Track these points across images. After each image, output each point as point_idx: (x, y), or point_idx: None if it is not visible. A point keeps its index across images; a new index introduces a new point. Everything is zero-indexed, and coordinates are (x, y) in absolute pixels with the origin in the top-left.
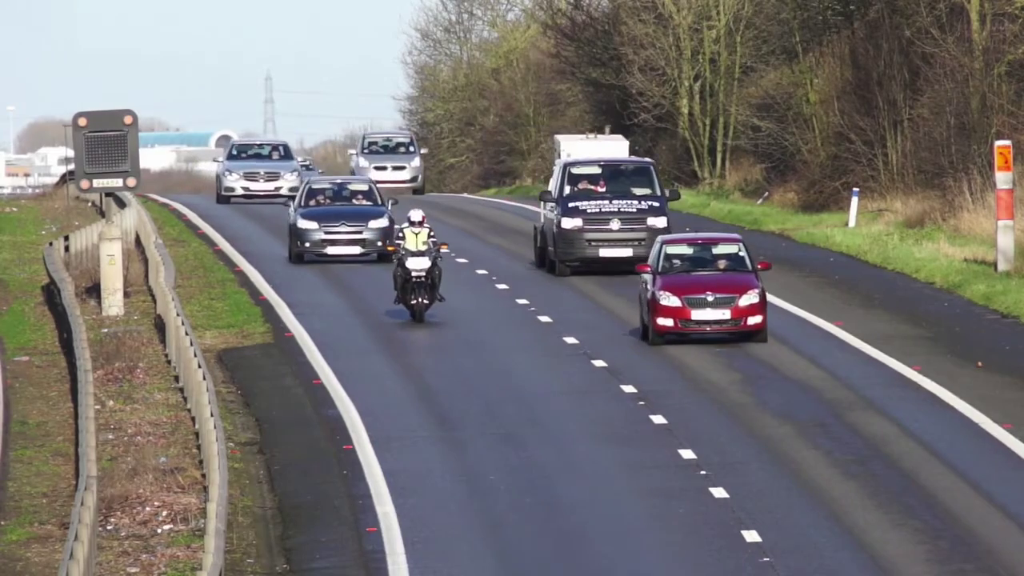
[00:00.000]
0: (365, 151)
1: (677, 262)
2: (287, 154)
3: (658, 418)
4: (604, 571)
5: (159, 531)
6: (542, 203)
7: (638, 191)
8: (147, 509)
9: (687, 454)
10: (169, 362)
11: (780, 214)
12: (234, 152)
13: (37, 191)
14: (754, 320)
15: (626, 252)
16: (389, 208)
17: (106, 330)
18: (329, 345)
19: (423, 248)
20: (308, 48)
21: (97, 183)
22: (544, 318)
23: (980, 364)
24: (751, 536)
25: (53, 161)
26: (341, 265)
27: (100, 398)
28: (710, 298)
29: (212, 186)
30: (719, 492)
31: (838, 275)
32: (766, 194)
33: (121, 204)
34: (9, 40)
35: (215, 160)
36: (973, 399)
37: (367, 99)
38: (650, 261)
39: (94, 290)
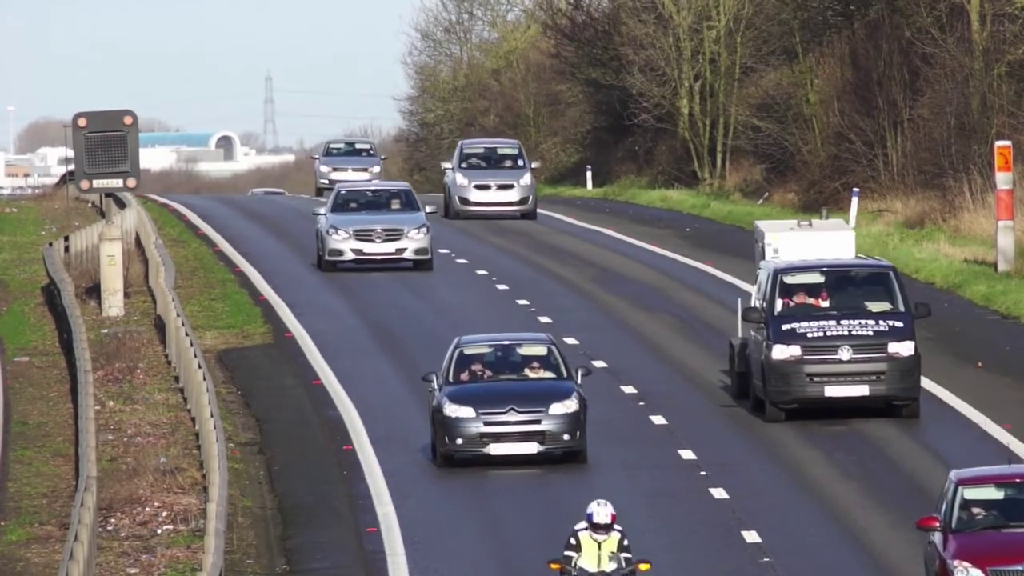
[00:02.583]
0: (463, 166)
1: (980, 513)
2: (411, 202)
3: (658, 418)
4: None
5: (159, 531)
6: (742, 320)
7: (874, 306)
8: (147, 509)
9: (687, 454)
10: (169, 362)
11: (780, 214)
12: (340, 201)
13: (37, 191)
14: None
15: (860, 390)
16: (579, 380)
17: (106, 330)
18: (329, 345)
19: (610, 568)
20: (308, 48)
21: (97, 183)
22: (544, 318)
23: (980, 364)
24: (751, 536)
25: (53, 161)
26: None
27: (100, 398)
28: None
29: (213, 186)
30: (719, 492)
31: None
32: (766, 194)
33: (121, 204)
34: (9, 40)
35: (315, 213)
36: (973, 399)
37: (367, 99)
38: (939, 510)
39: (94, 290)
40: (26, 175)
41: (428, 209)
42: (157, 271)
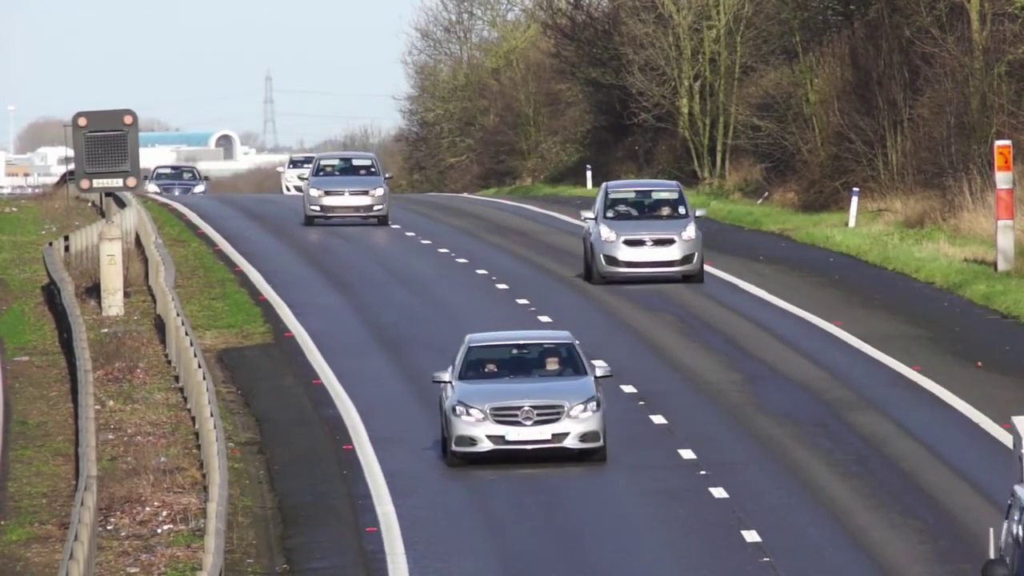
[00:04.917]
0: (609, 215)
1: None
2: (573, 361)
3: (658, 418)
4: (604, 571)
5: (159, 531)
6: (992, 557)
7: None
8: (147, 509)
9: (687, 454)
10: (169, 362)
11: (780, 214)
12: (472, 360)
13: (37, 191)
14: None
15: None
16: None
17: (106, 330)
18: (329, 345)
19: None
20: (308, 48)
21: (97, 183)
22: (544, 318)
23: (980, 364)
24: (751, 536)
25: (53, 161)
26: (340, 259)
27: (100, 398)
28: None
29: (213, 185)
30: (719, 492)
31: (838, 275)
32: (766, 194)
33: (121, 204)
34: (9, 40)
35: (436, 380)
36: (973, 399)
37: (367, 99)
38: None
39: (94, 290)
40: (26, 175)
41: (599, 372)
42: (157, 271)
